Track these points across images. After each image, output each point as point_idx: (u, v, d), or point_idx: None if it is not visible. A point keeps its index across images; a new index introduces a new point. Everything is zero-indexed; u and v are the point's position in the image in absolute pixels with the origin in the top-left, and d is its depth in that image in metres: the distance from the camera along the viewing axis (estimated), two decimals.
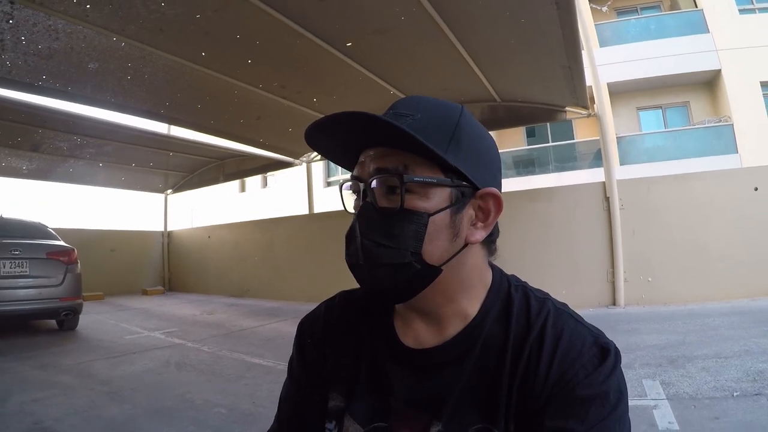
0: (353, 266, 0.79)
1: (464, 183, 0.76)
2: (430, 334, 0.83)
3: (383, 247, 0.74)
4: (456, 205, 0.76)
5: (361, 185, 0.78)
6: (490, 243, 0.86)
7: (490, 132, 0.85)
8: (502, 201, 0.80)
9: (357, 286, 0.89)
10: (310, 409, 0.91)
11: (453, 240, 0.76)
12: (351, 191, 0.82)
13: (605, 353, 0.73)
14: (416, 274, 0.74)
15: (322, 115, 0.74)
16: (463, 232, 0.78)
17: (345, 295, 1.00)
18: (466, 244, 0.78)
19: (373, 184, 0.75)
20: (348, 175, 0.83)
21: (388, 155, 0.75)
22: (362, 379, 0.86)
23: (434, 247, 0.74)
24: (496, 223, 0.83)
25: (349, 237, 0.79)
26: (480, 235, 0.80)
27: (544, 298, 0.84)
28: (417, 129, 0.70)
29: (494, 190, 0.80)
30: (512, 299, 0.83)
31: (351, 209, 0.82)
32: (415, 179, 0.73)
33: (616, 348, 0.75)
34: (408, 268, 0.74)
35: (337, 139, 0.79)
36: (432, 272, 0.75)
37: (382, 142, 0.76)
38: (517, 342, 0.77)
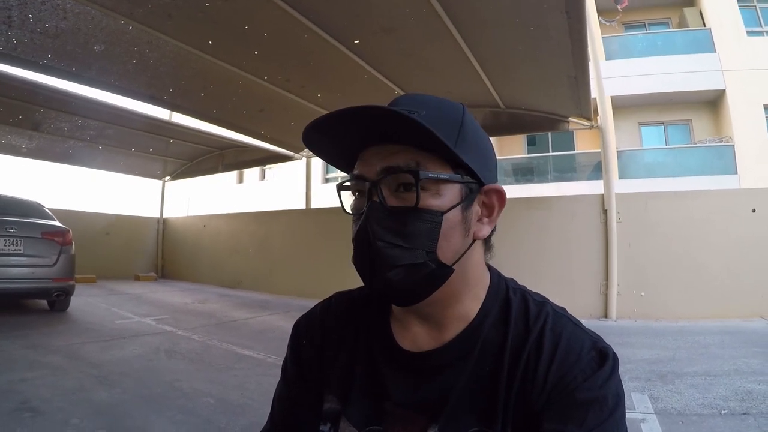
0: (363, 269, 0.77)
1: (471, 179, 0.76)
2: (428, 336, 0.83)
3: (398, 248, 0.73)
4: (465, 202, 0.76)
5: (366, 184, 0.75)
6: (487, 240, 0.86)
7: (491, 137, 0.85)
8: (506, 196, 0.81)
9: (352, 285, 0.88)
10: (303, 410, 0.91)
11: (464, 237, 0.77)
12: (351, 191, 0.80)
13: (603, 357, 0.73)
14: (431, 274, 0.74)
15: (325, 111, 0.73)
16: (472, 228, 0.78)
17: (341, 296, 1.00)
18: (473, 241, 0.79)
19: (383, 182, 0.74)
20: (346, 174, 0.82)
21: (398, 152, 0.73)
22: (358, 382, 0.86)
23: (449, 244, 0.74)
24: None
25: (359, 239, 0.76)
26: (486, 230, 0.81)
27: (542, 301, 0.84)
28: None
29: (498, 185, 0.81)
30: (510, 302, 0.83)
31: (349, 210, 0.80)
32: (430, 176, 0.72)
33: (614, 353, 0.75)
34: (422, 268, 0.73)
35: (339, 136, 0.77)
36: (445, 272, 0.75)
37: (391, 139, 0.74)
38: (515, 345, 0.77)
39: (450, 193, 0.74)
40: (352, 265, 0.78)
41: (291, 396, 0.94)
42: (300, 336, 0.97)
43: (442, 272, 0.75)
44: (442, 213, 0.73)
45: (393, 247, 0.72)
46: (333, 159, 0.84)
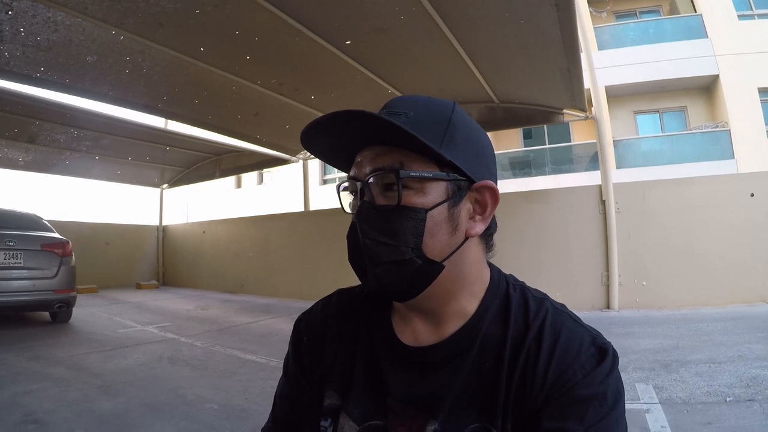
0: (356, 266, 0.80)
1: (460, 177, 0.77)
2: (428, 332, 0.83)
3: (383, 245, 0.74)
4: (453, 199, 0.77)
5: (358, 184, 0.78)
6: (488, 237, 0.86)
7: (487, 133, 0.85)
8: (499, 193, 0.81)
9: (352, 283, 0.89)
10: (305, 407, 0.91)
11: (452, 234, 0.77)
12: (349, 191, 0.82)
13: (603, 354, 0.74)
14: (418, 270, 0.75)
15: (319, 113, 0.75)
16: (462, 225, 0.78)
17: (342, 293, 1.00)
18: (466, 238, 0.79)
19: (370, 182, 0.76)
20: (345, 176, 0.84)
21: (384, 154, 0.76)
22: (359, 377, 0.86)
23: (434, 241, 0.75)
24: (494, 217, 0.84)
25: (350, 237, 0.80)
26: (479, 227, 0.81)
27: (542, 298, 0.84)
28: (411, 126, 0.71)
29: (490, 182, 0.81)
30: (510, 298, 0.83)
31: (349, 210, 0.82)
32: (411, 174, 0.73)
33: (614, 349, 0.75)
34: (409, 265, 0.74)
35: (333, 139, 0.79)
36: (434, 268, 0.76)
37: (378, 141, 0.76)
38: (515, 341, 0.77)
39: (435, 191, 0.75)
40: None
41: (292, 393, 0.95)
42: (301, 333, 0.98)
43: (430, 268, 0.76)
44: (426, 210, 0.74)
45: (379, 244, 0.75)
46: (331, 160, 0.87)
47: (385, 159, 0.75)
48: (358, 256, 0.79)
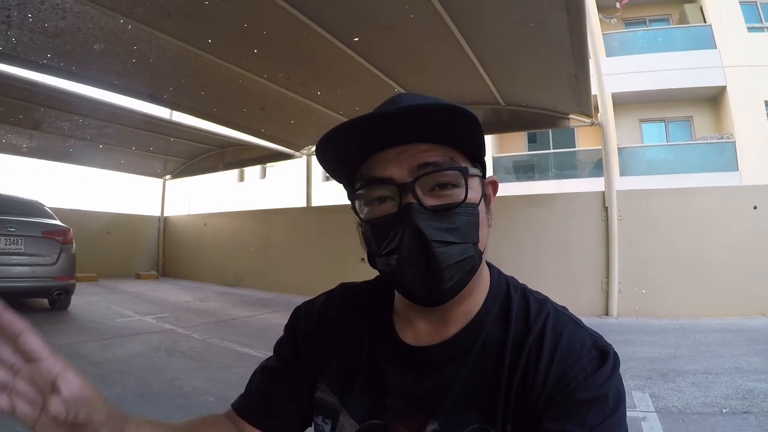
0: (414, 276, 0.73)
1: (482, 172, 0.79)
2: (430, 332, 0.82)
3: (452, 245, 0.72)
4: (484, 193, 0.79)
5: (394, 187, 0.73)
6: None
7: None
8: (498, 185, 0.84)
9: (353, 279, 0.88)
10: (284, 386, 0.92)
11: (488, 226, 0.79)
12: (366, 199, 0.77)
13: (604, 356, 0.73)
14: (475, 264, 0.76)
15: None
16: (490, 218, 0.81)
17: (345, 287, 1.00)
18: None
19: (419, 182, 0.72)
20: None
21: (430, 150, 0.73)
22: (360, 375, 0.86)
23: (483, 234, 0.77)
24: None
25: (409, 246, 0.71)
26: (491, 219, 0.82)
27: (543, 300, 0.84)
28: None
29: (494, 177, 0.84)
30: (511, 300, 0.83)
31: (365, 216, 0.77)
32: (471, 171, 0.75)
33: (615, 352, 0.75)
34: (471, 260, 0.75)
35: (359, 140, 0.74)
36: (480, 260, 0.77)
37: (417, 138, 0.73)
38: (516, 343, 0.77)
39: (476, 186, 0.77)
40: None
41: (279, 367, 0.95)
42: (299, 318, 0.99)
43: (479, 261, 0.77)
44: (477, 205, 0.75)
45: (448, 245, 0.72)
46: (343, 164, 0.81)
47: (435, 154, 0.72)
48: (419, 265, 0.71)
